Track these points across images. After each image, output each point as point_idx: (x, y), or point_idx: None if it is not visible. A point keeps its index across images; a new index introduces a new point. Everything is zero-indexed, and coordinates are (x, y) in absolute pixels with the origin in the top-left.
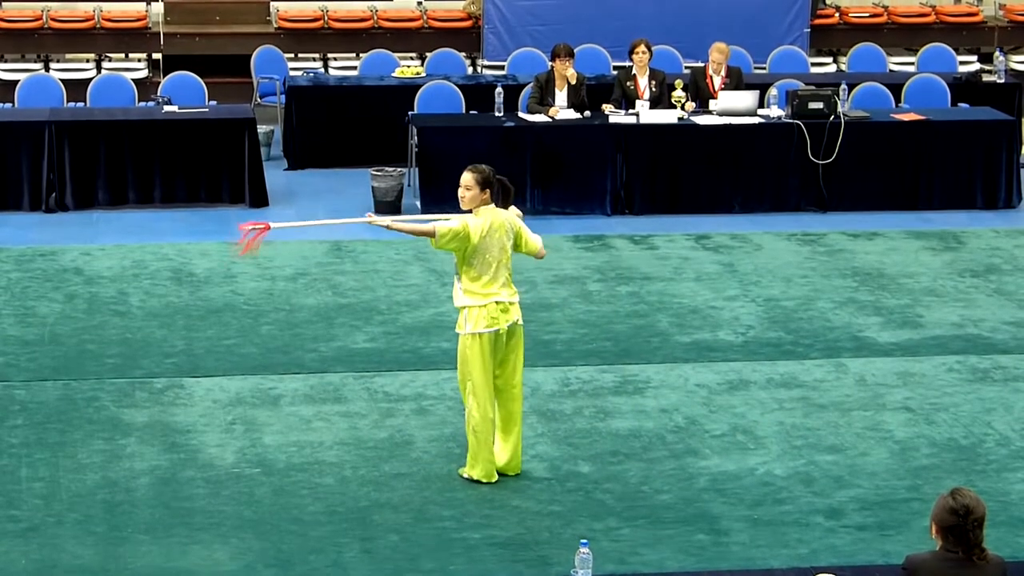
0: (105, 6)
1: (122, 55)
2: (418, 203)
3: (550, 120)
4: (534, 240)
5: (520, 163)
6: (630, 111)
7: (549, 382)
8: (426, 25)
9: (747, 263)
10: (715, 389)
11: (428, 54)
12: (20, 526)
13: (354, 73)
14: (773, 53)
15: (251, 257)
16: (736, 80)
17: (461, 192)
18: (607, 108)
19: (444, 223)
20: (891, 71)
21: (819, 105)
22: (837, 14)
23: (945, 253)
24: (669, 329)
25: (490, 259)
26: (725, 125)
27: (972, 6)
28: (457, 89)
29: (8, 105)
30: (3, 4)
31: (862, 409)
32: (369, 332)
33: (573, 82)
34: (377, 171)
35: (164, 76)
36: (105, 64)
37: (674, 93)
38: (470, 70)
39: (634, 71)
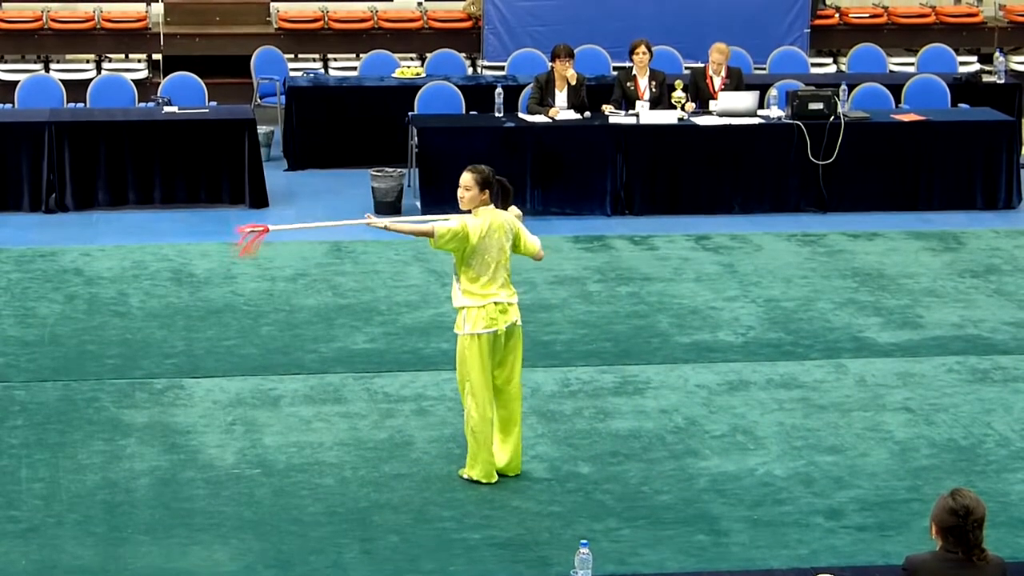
0: (105, 7)
1: (122, 56)
2: (418, 204)
3: (550, 121)
4: (532, 241)
5: (520, 164)
6: (630, 112)
7: (549, 383)
8: (426, 26)
9: (747, 264)
10: (715, 390)
11: (428, 55)
12: (20, 527)
13: (354, 74)
14: (773, 54)
15: (250, 259)
16: (736, 81)
17: (460, 192)
18: (607, 109)
19: (443, 223)
20: (891, 72)
21: (819, 106)
22: (837, 15)
23: (945, 254)
24: (669, 330)
25: (489, 260)
26: (725, 126)
27: (972, 7)
28: (457, 90)
29: (8, 106)
30: (3, 4)
31: (862, 410)
32: (369, 333)
33: (573, 83)
34: (377, 172)
35: (164, 77)
36: (105, 65)
37: (674, 94)
38: (470, 71)
39: (634, 72)
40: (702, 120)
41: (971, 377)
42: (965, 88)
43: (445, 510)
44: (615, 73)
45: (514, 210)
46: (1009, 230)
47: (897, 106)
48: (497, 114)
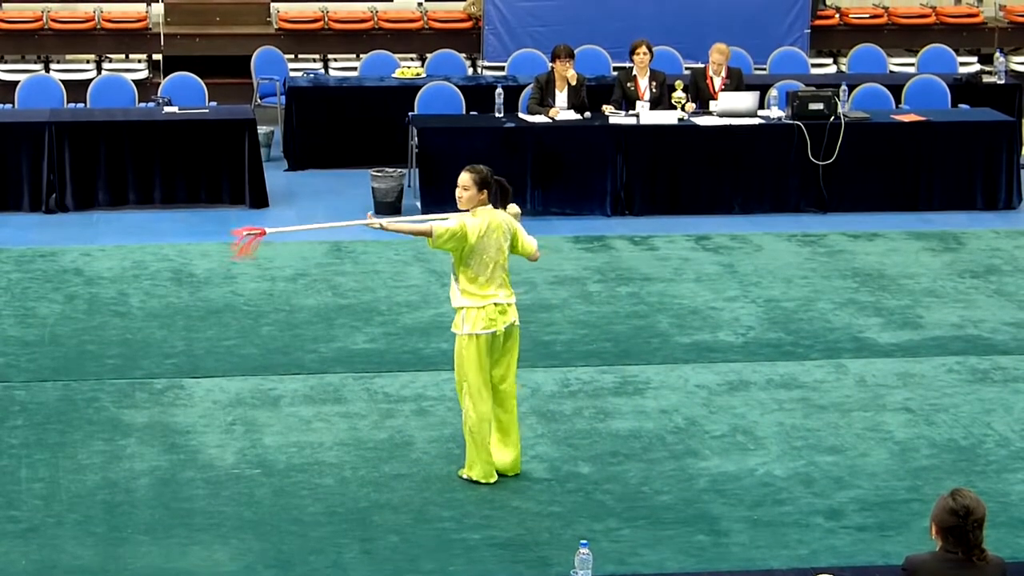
0: (105, 7)
1: (122, 56)
2: (418, 204)
3: (550, 121)
4: (530, 242)
5: (520, 164)
6: (630, 112)
7: (549, 383)
8: (426, 26)
9: (747, 264)
10: (715, 390)
11: (428, 55)
12: (20, 527)
13: (354, 74)
14: (773, 54)
15: (248, 261)
16: (736, 81)
17: (459, 192)
18: (607, 109)
19: (441, 223)
20: (891, 72)
21: (819, 106)
22: (837, 15)
23: (945, 254)
24: (669, 330)
25: (487, 260)
26: (725, 126)
27: (972, 7)
28: (457, 90)
29: (8, 106)
30: (3, 5)
31: (862, 410)
32: (369, 333)
33: (573, 83)
34: (377, 172)
35: (164, 77)
36: (105, 65)
37: (674, 94)
38: (470, 71)
39: (634, 72)
40: (702, 120)
41: (971, 377)
42: (965, 88)
43: (445, 510)
44: (615, 73)
45: (513, 208)
46: (1009, 230)
47: (897, 106)
48: (497, 114)
